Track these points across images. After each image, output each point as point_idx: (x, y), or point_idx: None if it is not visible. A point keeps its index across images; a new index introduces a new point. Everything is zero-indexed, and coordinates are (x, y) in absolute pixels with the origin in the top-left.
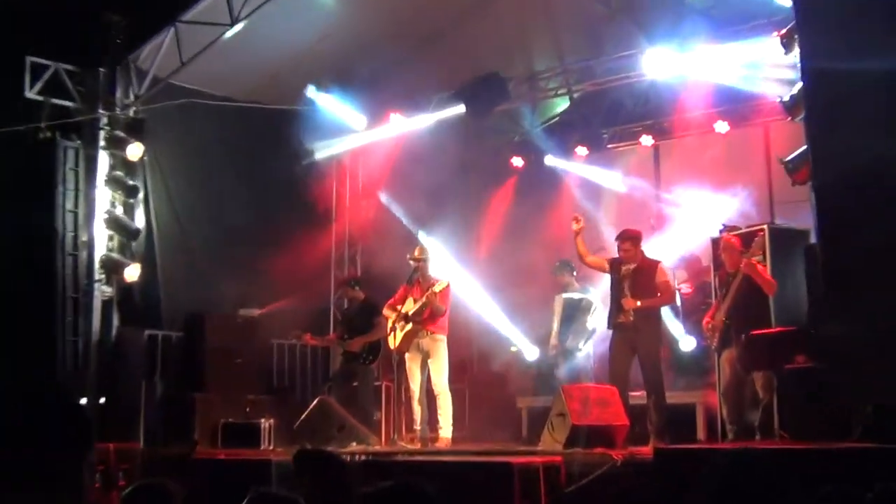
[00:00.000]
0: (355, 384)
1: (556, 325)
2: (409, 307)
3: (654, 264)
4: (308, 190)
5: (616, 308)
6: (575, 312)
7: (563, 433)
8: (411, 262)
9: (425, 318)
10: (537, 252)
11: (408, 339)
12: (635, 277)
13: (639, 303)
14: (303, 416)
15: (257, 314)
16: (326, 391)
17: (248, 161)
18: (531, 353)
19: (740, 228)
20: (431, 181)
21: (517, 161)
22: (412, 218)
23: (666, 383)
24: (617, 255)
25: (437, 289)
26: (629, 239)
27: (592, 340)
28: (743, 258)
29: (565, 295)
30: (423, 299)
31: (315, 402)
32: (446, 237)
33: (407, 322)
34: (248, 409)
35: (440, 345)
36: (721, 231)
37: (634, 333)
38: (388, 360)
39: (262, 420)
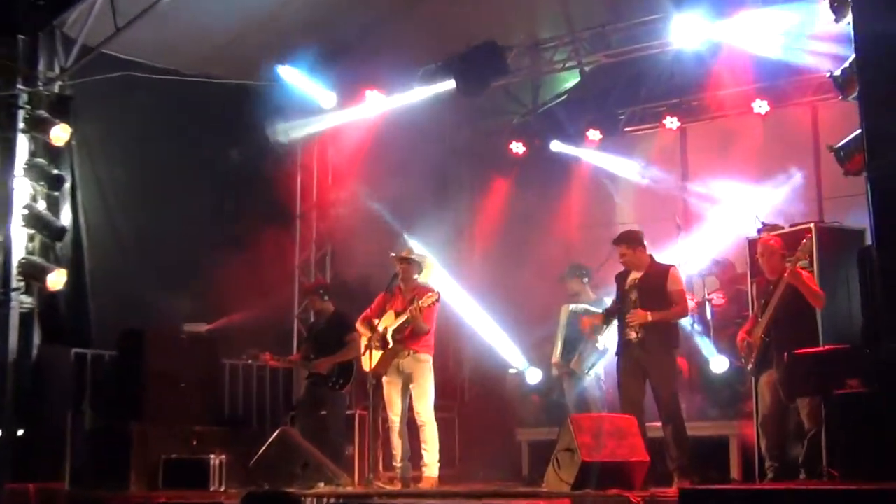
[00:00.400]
0: (323, 413)
1: (559, 342)
2: (389, 321)
3: (664, 270)
4: (268, 181)
5: (622, 325)
6: (589, 340)
7: (572, 471)
8: (395, 265)
9: (407, 335)
10: (542, 255)
11: (386, 360)
12: (643, 287)
13: (650, 316)
14: (260, 451)
15: (206, 329)
16: (289, 421)
17: (195, 147)
18: (533, 375)
19: (782, 228)
20: (416, 171)
21: (517, 147)
22: (393, 214)
23: (694, 412)
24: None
25: (423, 303)
26: (624, 241)
27: (604, 362)
28: (786, 264)
29: (573, 306)
30: (406, 314)
31: (275, 434)
32: (433, 237)
33: (385, 339)
34: (194, 443)
35: (425, 366)
36: (760, 231)
37: (643, 353)
38: (363, 385)
39: (212, 456)
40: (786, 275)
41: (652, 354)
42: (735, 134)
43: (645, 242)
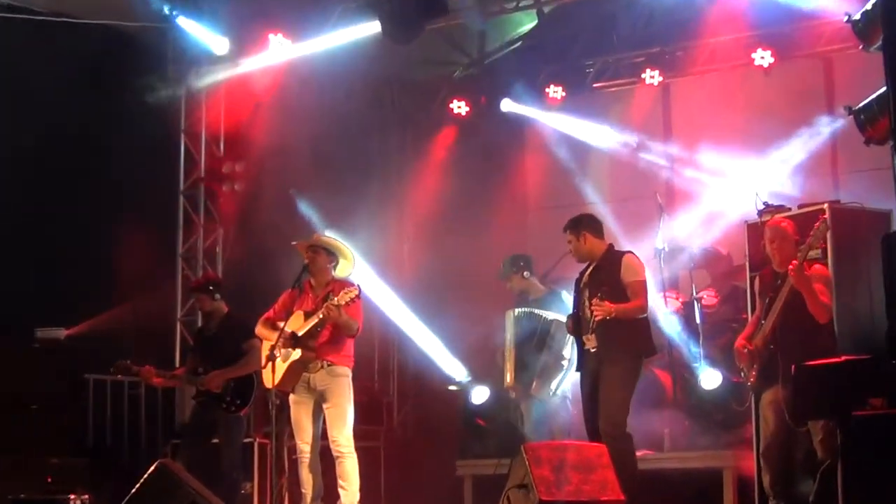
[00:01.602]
0: (215, 441)
1: (508, 361)
2: (297, 324)
3: (617, 258)
4: (143, 148)
5: (578, 334)
6: (542, 336)
7: None
8: (302, 255)
9: (322, 343)
10: (489, 243)
11: (293, 374)
12: (592, 281)
13: (613, 308)
14: (134, 489)
15: (65, 336)
16: (170, 452)
17: (50, 105)
18: (479, 393)
19: (789, 209)
20: (331, 137)
21: (459, 107)
22: (301, 191)
23: (679, 439)
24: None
25: (340, 300)
26: (569, 227)
27: (571, 377)
28: (798, 251)
29: (518, 311)
30: (320, 314)
31: (153, 467)
32: (353, 219)
33: (293, 347)
34: (49, 480)
35: (342, 382)
36: (761, 213)
37: (596, 362)
38: (265, 405)
39: (72, 496)
40: (790, 274)
41: (607, 361)
42: (731, 92)
43: (599, 229)
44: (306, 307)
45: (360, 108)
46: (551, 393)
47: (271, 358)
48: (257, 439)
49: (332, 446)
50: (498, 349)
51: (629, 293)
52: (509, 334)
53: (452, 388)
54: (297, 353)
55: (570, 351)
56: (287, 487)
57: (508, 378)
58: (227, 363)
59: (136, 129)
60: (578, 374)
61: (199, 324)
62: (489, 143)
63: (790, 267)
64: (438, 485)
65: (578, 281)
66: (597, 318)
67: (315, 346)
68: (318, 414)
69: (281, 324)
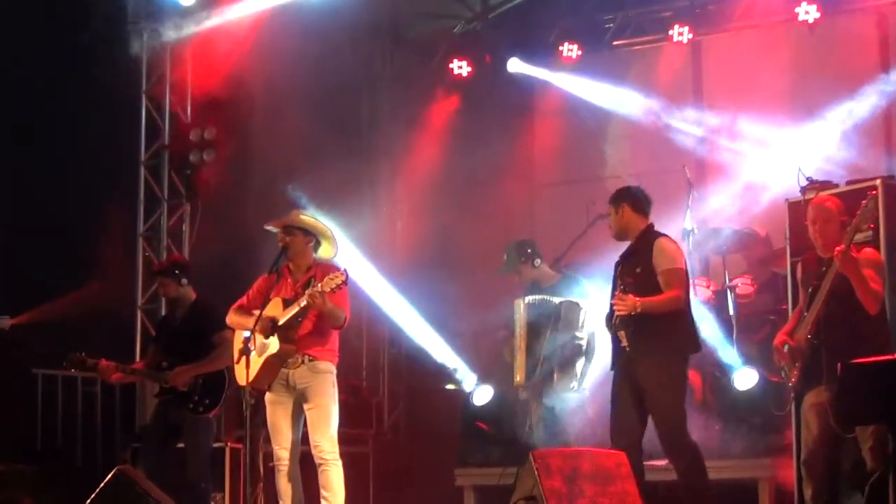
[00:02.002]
0: (180, 445)
1: (520, 355)
2: (275, 313)
3: (651, 241)
4: (98, 112)
5: (608, 324)
6: (555, 323)
7: None
8: (278, 237)
9: (303, 335)
10: (492, 221)
11: (270, 370)
12: (624, 267)
13: (639, 304)
14: (89, 499)
15: (10, 325)
16: (129, 457)
17: None
18: (481, 394)
19: (836, 186)
20: (315, 100)
21: (460, 66)
22: (279, 163)
23: (710, 446)
24: None
25: (325, 286)
26: (611, 199)
27: (591, 370)
28: (844, 233)
29: (529, 298)
30: (302, 301)
31: (110, 475)
32: (337, 196)
33: (272, 334)
34: None
35: (325, 380)
36: (804, 189)
37: (634, 364)
38: (237, 405)
39: None
40: (836, 258)
41: (642, 365)
42: (770, 51)
43: (643, 204)
44: (285, 294)
45: (346, 68)
46: (576, 386)
47: (245, 352)
48: (229, 444)
49: (314, 452)
50: (505, 343)
51: (661, 283)
52: (520, 326)
53: (451, 387)
54: (274, 346)
55: (586, 335)
56: (263, 499)
57: (518, 376)
58: (195, 357)
59: (89, 91)
60: (600, 367)
61: (163, 312)
62: (494, 109)
63: (836, 251)
64: (435, 496)
65: (617, 264)
66: (619, 314)
67: (295, 339)
68: (298, 415)
69: (256, 313)
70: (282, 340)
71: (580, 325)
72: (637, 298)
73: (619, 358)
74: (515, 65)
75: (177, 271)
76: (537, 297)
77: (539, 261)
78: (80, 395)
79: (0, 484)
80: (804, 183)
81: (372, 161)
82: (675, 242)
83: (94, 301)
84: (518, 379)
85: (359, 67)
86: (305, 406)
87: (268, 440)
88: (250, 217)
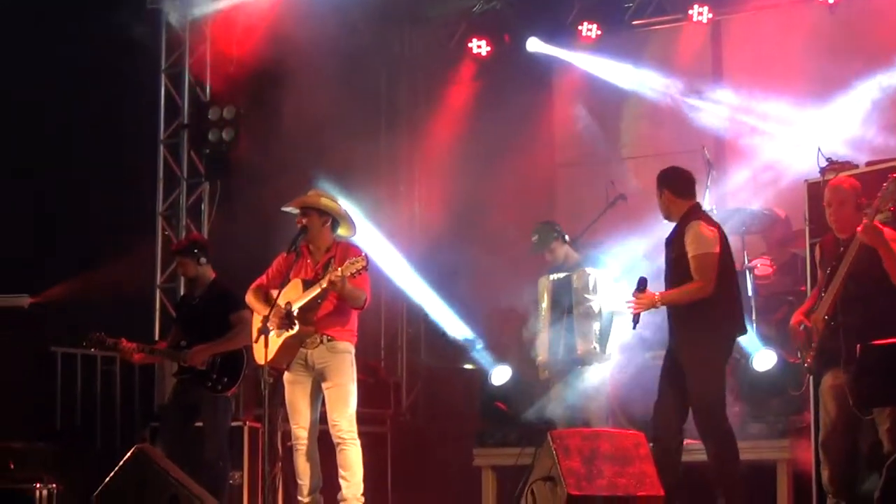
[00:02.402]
0: (198, 424)
1: (542, 328)
2: (294, 294)
3: (684, 225)
4: (117, 92)
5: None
6: (577, 296)
7: None
8: (297, 218)
9: (323, 316)
10: (511, 202)
11: (289, 349)
12: (667, 250)
13: (658, 300)
14: (108, 478)
15: (29, 304)
16: (148, 436)
17: (11, 42)
18: (499, 374)
19: (856, 167)
20: (332, 81)
21: (478, 46)
22: (297, 142)
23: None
24: None
25: (346, 271)
26: (658, 179)
27: (608, 347)
28: (863, 215)
29: (554, 276)
30: (322, 284)
31: (129, 454)
32: (355, 176)
33: (289, 318)
34: (11, 466)
35: (344, 360)
36: (824, 170)
37: (676, 351)
38: (255, 384)
39: (37, 485)
40: (859, 231)
41: (682, 352)
42: (790, 31)
43: (682, 186)
44: (305, 274)
45: (365, 48)
46: (597, 349)
47: (264, 331)
48: (247, 423)
49: (332, 431)
50: (525, 322)
51: (692, 269)
52: (545, 304)
53: (469, 366)
54: (293, 328)
55: (595, 299)
56: (281, 477)
57: (542, 355)
58: (214, 336)
59: (109, 70)
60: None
61: (182, 292)
62: (512, 89)
63: (860, 227)
64: (453, 476)
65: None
66: (634, 313)
67: (314, 320)
68: (316, 395)
69: (275, 292)
70: (301, 322)
71: (591, 289)
72: (656, 294)
73: (670, 338)
74: (534, 44)
75: (196, 250)
76: (561, 274)
77: (567, 237)
78: (98, 373)
79: (19, 463)
80: (824, 163)
81: (391, 141)
82: (709, 226)
83: (114, 279)
84: (541, 358)
85: (378, 47)
86: (324, 385)
87: (286, 419)
88: (268, 197)
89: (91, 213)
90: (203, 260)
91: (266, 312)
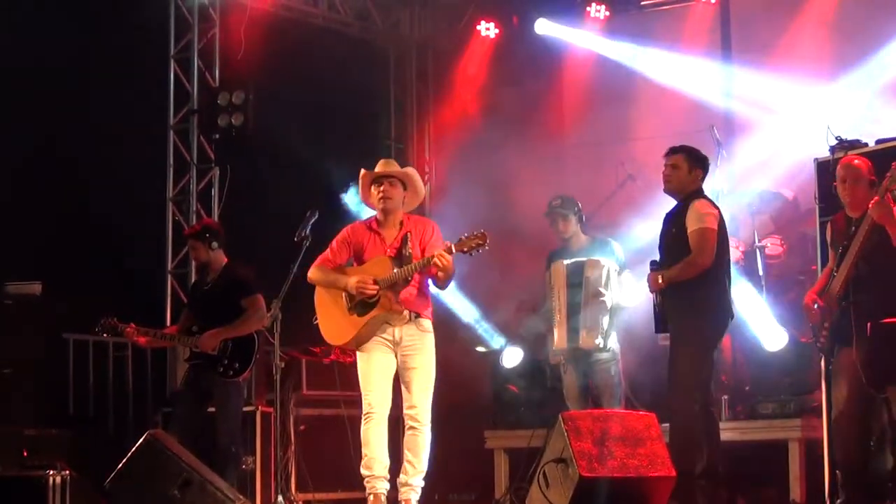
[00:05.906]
0: (211, 409)
1: (557, 316)
2: (380, 269)
3: (687, 203)
4: (126, 77)
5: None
6: (589, 287)
7: (565, 491)
8: (366, 185)
9: (410, 293)
10: (521, 183)
11: (371, 328)
12: (666, 230)
13: (661, 278)
14: (121, 463)
15: (40, 290)
16: (160, 422)
17: (16, 27)
18: (511, 356)
19: (866, 145)
20: (339, 63)
21: (487, 28)
22: (306, 127)
23: (742, 406)
24: None
25: (467, 245)
26: (676, 147)
27: (616, 331)
28: (874, 193)
29: (567, 262)
30: (435, 259)
31: (142, 440)
32: (363, 160)
33: (373, 298)
34: (24, 453)
35: (429, 340)
36: (833, 149)
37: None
38: (267, 369)
39: (50, 472)
40: (870, 208)
41: (672, 324)
42: (799, 10)
43: (695, 159)
44: (381, 251)
45: (373, 32)
46: (601, 343)
47: (334, 312)
48: (260, 408)
49: (408, 413)
50: (540, 306)
51: (690, 245)
52: (559, 284)
53: (481, 349)
54: (375, 306)
55: (608, 294)
56: (293, 462)
57: (561, 339)
58: (225, 321)
59: (117, 55)
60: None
61: (194, 277)
62: (521, 70)
63: (871, 203)
64: (465, 458)
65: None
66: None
67: (400, 298)
68: (393, 373)
69: (346, 265)
70: (390, 299)
71: (603, 282)
72: (659, 275)
73: None
74: (543, 26)
75: (208, 235)
76: (579, 259)
77: (584, 219)
78: (111, 359)
79: (33, 449)
80: (833, 142)
81: (398, 125)
82: (708, 202)
83: (126, 264)
84: (556, 342)
85: (385, 31)
86: (409, 365)
87: (297, 404)
88: (278, 181)
89: (101, 200)
90: (215, 245)
91: (345, 288)
